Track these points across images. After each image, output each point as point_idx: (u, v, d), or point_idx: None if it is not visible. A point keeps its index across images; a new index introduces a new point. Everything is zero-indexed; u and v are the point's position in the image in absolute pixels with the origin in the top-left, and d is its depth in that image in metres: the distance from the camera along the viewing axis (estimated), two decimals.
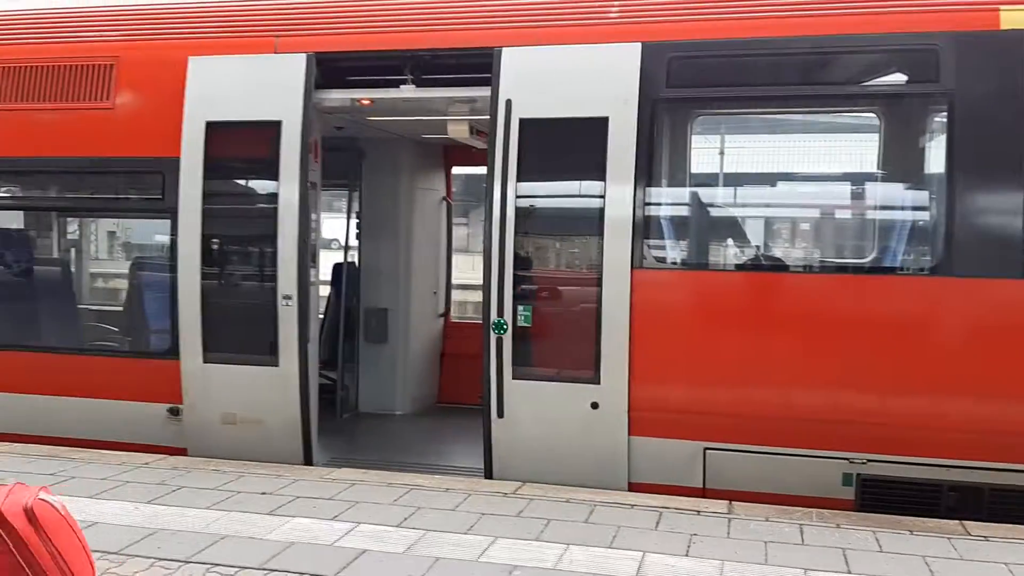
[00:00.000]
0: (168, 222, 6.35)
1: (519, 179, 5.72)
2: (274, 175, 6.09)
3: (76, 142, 6.52)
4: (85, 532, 4.51)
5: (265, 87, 6.16)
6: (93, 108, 6.46)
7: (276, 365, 6.07)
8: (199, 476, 5.65)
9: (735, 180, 6.45)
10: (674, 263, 5.94)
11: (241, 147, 6.48)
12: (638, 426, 5.60)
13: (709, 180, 6.48)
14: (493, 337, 5.76)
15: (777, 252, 6.54)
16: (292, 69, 6.08)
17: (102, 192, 6.87)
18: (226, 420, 6.23)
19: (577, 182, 5.99)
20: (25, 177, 6.97)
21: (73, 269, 7.96)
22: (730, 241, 6.31)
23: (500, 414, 5.78)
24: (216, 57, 6.27)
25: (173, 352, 6.37)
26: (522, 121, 5.70)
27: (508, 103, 5.71)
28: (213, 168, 6.22)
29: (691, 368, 5.60)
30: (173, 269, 6.35)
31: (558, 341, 5.95)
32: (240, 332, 6.35)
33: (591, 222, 5.64)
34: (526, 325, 5.77)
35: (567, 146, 5.77)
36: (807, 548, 4.54)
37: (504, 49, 5.77)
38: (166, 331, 6.50)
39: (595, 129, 5.58)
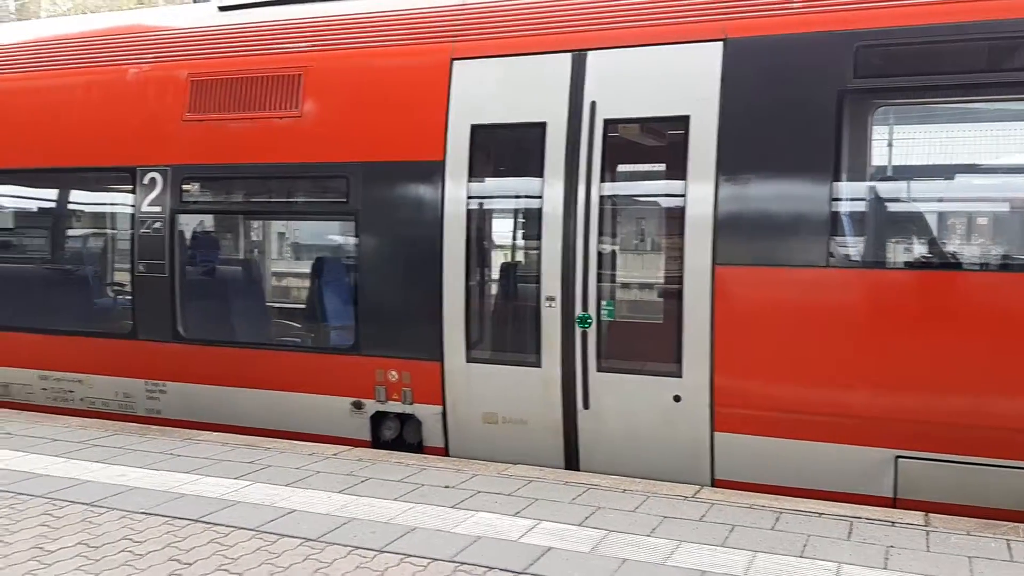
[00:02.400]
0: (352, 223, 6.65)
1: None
2: (539, 176, 6.13)
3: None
4: (284, 519, 4.85)
5: (529, 88, 6.21)
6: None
7: (538, 366, 6.15)
8: (384, 468, 5.87)
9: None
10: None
11: (505, 149, 6.58)
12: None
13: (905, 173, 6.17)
14: (578, 331, 5.89)
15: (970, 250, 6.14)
16: (557, 69, 6.12)
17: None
18: (488, 420, 6.36)
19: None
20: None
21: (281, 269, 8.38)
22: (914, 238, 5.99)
23: (586, 405, 5.89)
24: (481, 60, 6.37)
25: (355, 348, 6.66)
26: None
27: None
28: (477, 170, 6.34)
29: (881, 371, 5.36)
30: (356, 269, 6.65)
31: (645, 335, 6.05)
32: (503, 333, 6.51)
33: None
34: (610, 320, 5.99)
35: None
36: (1017, 565, 4.24)
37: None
38: (351, 328, 6.79)
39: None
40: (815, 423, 5.47)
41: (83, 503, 5.14)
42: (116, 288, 7.94)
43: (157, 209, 7.23)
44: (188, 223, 7.43)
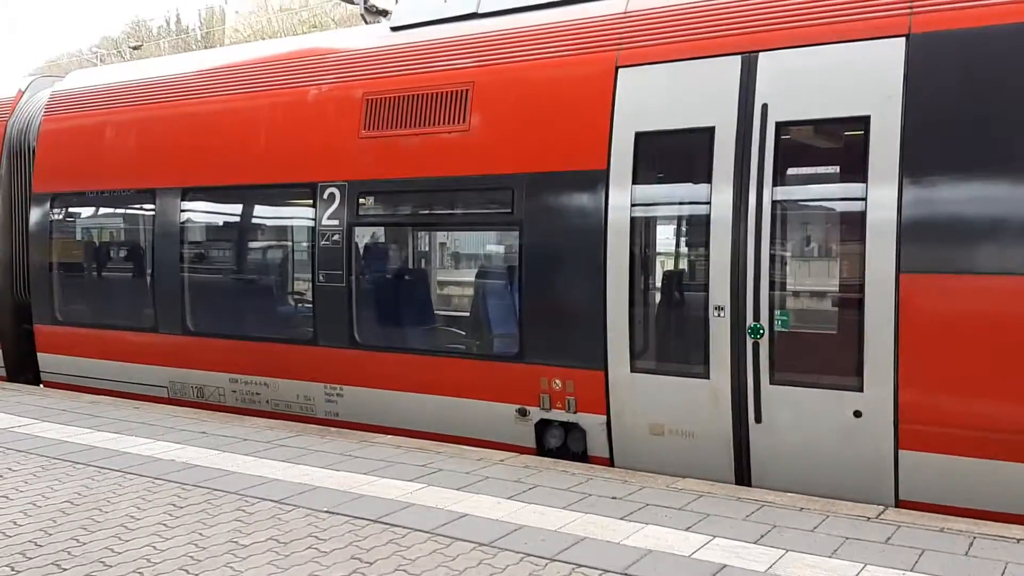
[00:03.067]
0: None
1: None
2: (707, 181, 6.04)
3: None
4: (457, 523, 4.96)
5: (697, 92, 6.14)
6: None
7: (706, 377, 6.08)
8: (550, 476, 5.91)
9: None
10: None
11: (671, 155, 6.54)
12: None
13: None
14: (749, 341, 5.75)
15: None
16: (726, 71, 6.04)
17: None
18: (654, 431, 6.32)
19: None
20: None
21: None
22: None
23: (758, 419, 5.70)
24: (645, 67, 6.35)
25: (520, 356, 6.75)
26: None
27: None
28: (642, 177, 6.32)
29: None
30: (521, 278, 6.75)
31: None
32: (669, 342, 6.50)
33: None
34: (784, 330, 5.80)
35: None
36: None
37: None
38: (516, 336, 6.89)
39: None
40: (1009, 442, 5.09)
41: (272, 500, 5.47)
42: (298, 297, 8.40)
43: (335, 222, 7.61)
44: (364, 235, 7.77)
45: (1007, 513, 5.05)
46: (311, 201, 7.81)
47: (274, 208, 8.82)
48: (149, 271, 9.02)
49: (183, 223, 8.74)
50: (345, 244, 7.60)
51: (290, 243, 8.73)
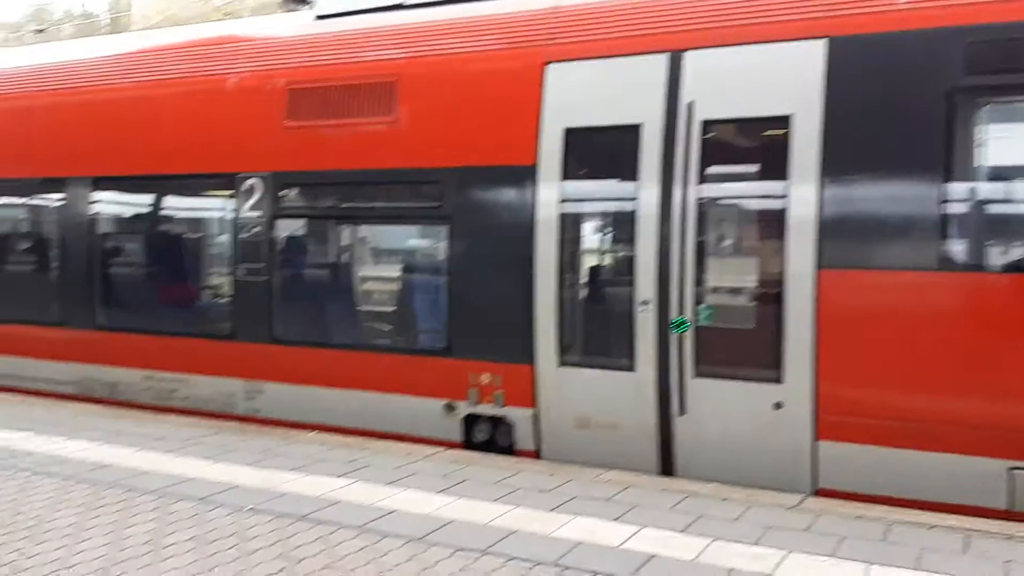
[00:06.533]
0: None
1: None
2: (634, 178, 6.10)
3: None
4: (387, 518, 4.91)
5: (625, 90, 6.16)
6: None
7: (632, 370, 6.12)
8: (479, 470, 5.89)
9: None
10: None
11: (599, 151, 6.55)
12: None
13: None
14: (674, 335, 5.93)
15: None
16: (653, 69, 6.08)
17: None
18: (581, 424, 6.32)
19: None
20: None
21: None
22: None
23: (682, 411, 5.89)
24: (574, 63, 6.35)
25: (448, 351, 6.72)
26: None
27: None
28: (571, 173, 6.32)
29: None
30: (449, 273, 6.72)
31: None
32: (596, 336, 6.49)
33: None
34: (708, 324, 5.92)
35: None
36: None
37: None
38: (444, 331, 6.85)
39: None
40: (921, 431, 5.30)
41: (193, 499, 5.31)
42: (217, 291, 8.18)
43: (257, 214, 7.43)
44: (286, 228, 7.62)
45: (921, 500, 5.26)
46: (231, 192, 7.60)
47: (192, 199, 8.57)
48: (57, 264, 8.66)
49: (95, 214, 8.41)
50: (266, 237, 7.42)
51: (208, 235, 8.50)
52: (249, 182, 7.48)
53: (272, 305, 7.45)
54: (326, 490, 5.45)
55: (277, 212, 7.41)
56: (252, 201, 7.45)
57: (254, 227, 7.45)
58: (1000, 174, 5.58)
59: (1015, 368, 5.12)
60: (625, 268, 6.21)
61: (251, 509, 5.12)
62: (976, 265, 5.37)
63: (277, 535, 4.72)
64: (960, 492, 5.23)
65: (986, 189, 5.52)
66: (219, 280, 8.11)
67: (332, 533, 4.74)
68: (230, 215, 7.65)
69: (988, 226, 5.52)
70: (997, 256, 5.42)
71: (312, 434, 6.91)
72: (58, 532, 4.77)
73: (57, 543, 4.61)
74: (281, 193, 7.41)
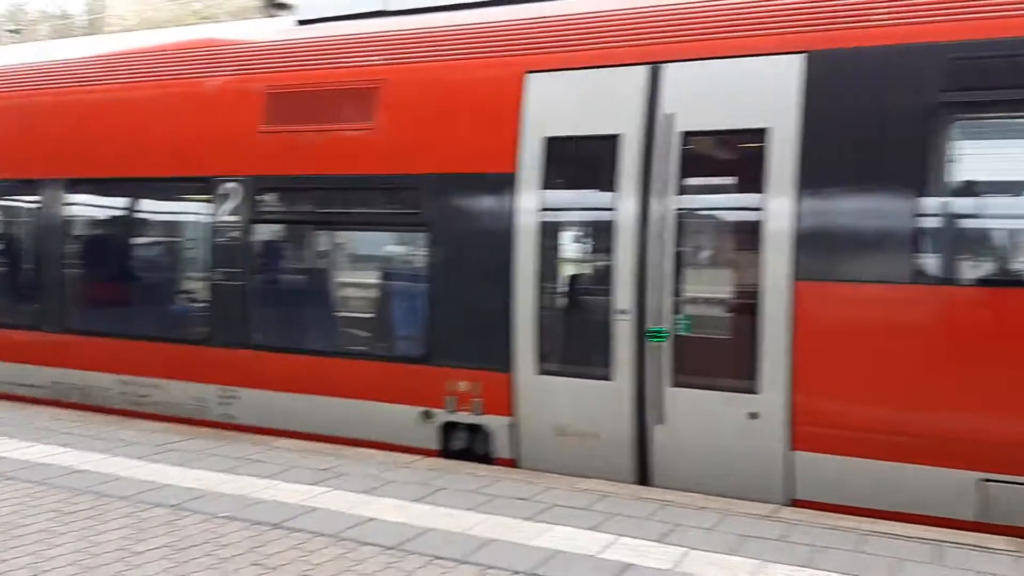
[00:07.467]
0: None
1: None
2: (613, 188, 6.12)
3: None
4: (363, 526, 4.88)
5: (605, 100, 6.19)
6: None
7: (610, 379, 6.13)
8: (456, 478, 5.87)
9: None
10: None
11: (579, 161, 6.57)
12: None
13: None
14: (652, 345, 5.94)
15: None
16: (633, 81, 6.11)
17: None
18: (559, 432, 6.31)
19: None
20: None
21: None
22: None
23: (659, 420, 5.93)
24: (555, 73, 6.37)
25: (426, 358, 6.70)
26: None
27: None
28: (551, 182, 6.33)
29: None
30: (428, 280, 6.71)
31: None
32: (574, 345, 6.49)
33: None
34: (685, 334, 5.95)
35: None
36: None
37: None
38: (422, 338, 6.83)
39: None
40: (895, 443, 5.35)
41: (166, 506, 5.25)
42: (193, 295, 8.11)
43: (234, 219, 7.38)
44: (264, 233, 7.57)
45: (896, 512, 5.30)
46: (209, 196, 7.55)
47: (169, 203, 8.51)
48: (31, 267, 8.55)
49: (70, 217, 8.32)
50: (244, 241, 7.38)
51: (185, 239, 8.42)
52: (226, 186, 7.43)
53: (248, 310, 7.40)
54: (302, 498, 5.41)
55: (254, 217, 7.37)
56: (229, 205, 7.40)
57: (231, 231, 7.40)
58: (974, 189, 5.67)
59: (986, 381, 5.18)
60: (603, 277, 6.23)
61: (225, 516, 5.07)
62: (949, 279, 5.44)
63: (251, 543, 4.68)
64: (932, 503, 5.28)
65: (960, 204, 5.59)
66: (195, 285, 8.05)
67: (307, 541, 4.70)
68: (207, 219, 7.59)
69: (961, 240, 5.60)
70: (970, 270, 5.51)
71: (288, 441, 6.85)
72: (29, 538, 4.70)
73: (28, 549, 4.54)
74: (258, 197, 7.37)
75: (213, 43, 8.05)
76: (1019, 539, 4.84)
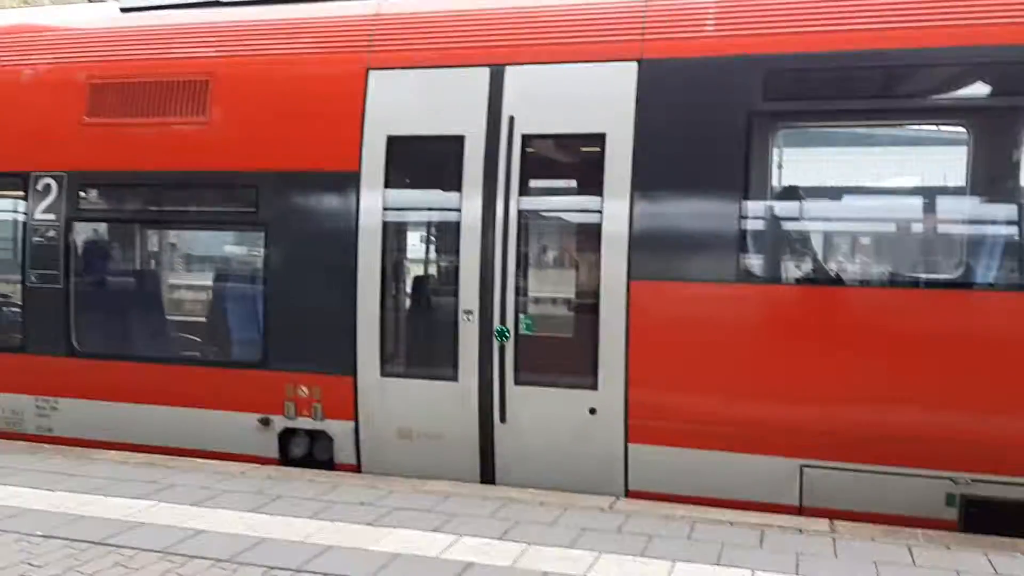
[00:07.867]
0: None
1: None
2: (457, 189, 6.10)
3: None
4: (193, 540, 4.66)
5: (447, 101, 6.16)
6: None
7: (455, 380, 6.07)
8: (295, 486, 5.71)
9: None
10: None
11: (423, 161, 6.47)
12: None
13: None
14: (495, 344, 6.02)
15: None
16: (475, 82, 6.10)
17: None
18: (403, 435, 6.22)
19: None
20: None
21: None
22: None
23: (503, 419, 5.96)
24: (397, 71, 6.29)
25: (263, 363, 6.47)
26: None
27: None
28: (394, 181, 6.23)
29: None
30: (266, 282, 6.49)
31: None
32: (419, 347, 6.40)
33: None
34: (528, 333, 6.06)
35: None
36: (919, 569, 4.45)
37: None
38: (258, 343, 6.59)
39: None
40: (725, 434, 5.62)
41: None
42: (3, 299, 7.52)
43: (51, 217, 6.89)
44: (86, 232, 7.11)
45: (725, 499, 5.56)
46: (22, 193, 7.01)
47: None
48: None
49: None
50: (63, 241, 6.89)
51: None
52: (43, 182, 6.92)
53: (69, 315, 6.92)
54: (127, 513, 5.10)
55: (75, 214, 6.90)
56: (46, 202, 6.90)
57: (48, 230, 6.90)
58: (793, 194, 6.03)
59: (805, 373, 5.52)
60: (449, 278, 6.22)
61: (42, 535, 4.71)
62: (772, 278, 5.76)
63: (70, 562, 4.38)
64: (758, 490, 5.58)
65: (781, 207, 5.94)
66: (9, 288, 7.45)
67: (132, 558, 4.44)
68: (21, 217, 7.04)
69: (782, 241, 5.95)
70: (791, 269, 5.86)
71: (112, 453, 6.45)
72: None
73: None
74: (79, 194, 6.91)
75: (32, 28, 7.49)
76: (838, 520, 5.18)
